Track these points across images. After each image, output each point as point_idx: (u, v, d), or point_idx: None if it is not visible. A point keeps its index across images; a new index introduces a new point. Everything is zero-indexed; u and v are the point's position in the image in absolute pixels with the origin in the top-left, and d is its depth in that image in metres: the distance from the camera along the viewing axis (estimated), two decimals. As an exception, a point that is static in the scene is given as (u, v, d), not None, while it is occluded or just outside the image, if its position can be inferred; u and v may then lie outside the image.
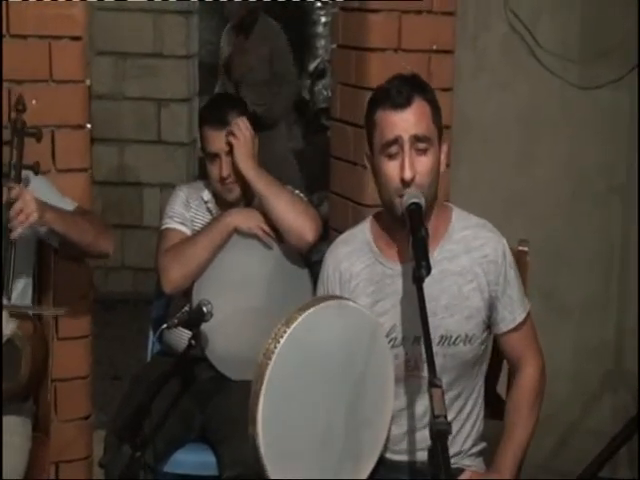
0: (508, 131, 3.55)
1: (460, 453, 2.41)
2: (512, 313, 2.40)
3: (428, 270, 2.09)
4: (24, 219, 2.48)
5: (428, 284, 2.12)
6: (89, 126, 3.03)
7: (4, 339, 2.46)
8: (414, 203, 2.22)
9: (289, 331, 2.08)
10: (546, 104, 3.56)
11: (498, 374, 2.66)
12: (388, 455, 2.38)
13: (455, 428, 2.30)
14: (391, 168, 2.28)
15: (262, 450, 2.07)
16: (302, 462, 2.15)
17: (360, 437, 2.24)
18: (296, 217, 2.94)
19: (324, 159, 3.59)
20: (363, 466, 2.27)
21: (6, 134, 2.70)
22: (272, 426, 2.07)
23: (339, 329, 2.20)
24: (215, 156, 3.00)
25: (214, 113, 3.03)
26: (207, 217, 3.06)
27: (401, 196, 2.26)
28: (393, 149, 2.28)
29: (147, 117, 5.99)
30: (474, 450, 2.44)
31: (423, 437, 2.27)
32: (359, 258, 2.42)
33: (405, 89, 2.28)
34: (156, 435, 2.66)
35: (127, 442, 2.46)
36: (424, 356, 2.07)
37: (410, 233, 2.17)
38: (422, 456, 2.29)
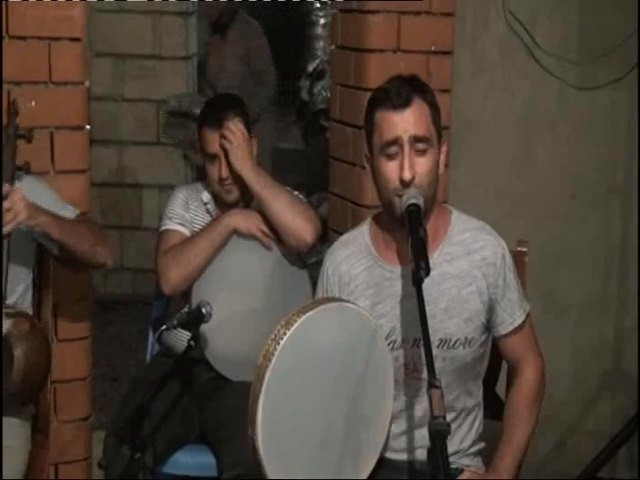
0: (507, 132, 3.55)
1: (458, 452, 2.41)
2: (511, 315, 2.40)
3: (427, 271, 2.09)
4: (12, 218, 2.48)
5: (427, 287, 2.13)
6: (88, 127, 3.03)
7: None
8: (413, 204, 2.22)
9: (289, 333, 2.08)
10: (545, 105, 3.56)
11: (497, 375, 2.66)
12: (388, 455, 2.38)
13: (453, 427, 2.31)
14: (390, 169, 2.28)
15: (261, 451, 2.07)
16: (301, 463, 2.15)
17: (359, 438, 2.25)
18: (294, 218, 2.94)
19: (323, 160, 3.59)
20: (362, 467, 2.27)
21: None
22: (271, 427, 2.07)
23: (338, 331, 2.20)
24: (214, 157, 3.00)
25: (212, 114, 3.03)
26: (206, 218, 3.06)
27: (400, 196, 2.26)
28: (392, 149, 2.28)
29: (146, 118, 5.99)
30: (473, 450, 2.45)
31: (423, 438, 2.28)
32: (358, 260, 2.42)
33: (404, 90, 2.29)
34: (155, 436, 2.67)
35: (126, 443, 2.46)
36: (423, 359, 2.07)
37: (409, 234, 2.17)
38: (421, 456, 2.30)
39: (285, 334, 2.07)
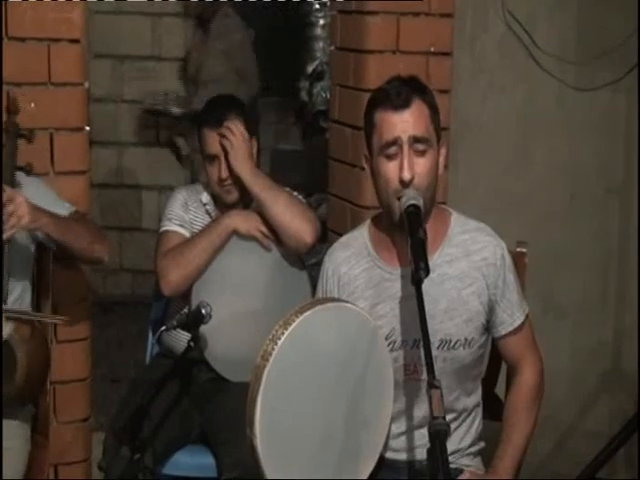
0: (506, 132, 3.55)
1: (458, 451, 2.41)
2: (511, 316, 2.40)
3: (427, 272, 2.09)
4: (15, 222, 2.48)
5: (427, 288, 2.13)
6: (87, 128, 3.04)
7: None
8: (412, 205, 2.22)
9: (287, 333, 2.08)
10: (544, 106, 3.57)
11: (497, 376, 2.66)
12: (388, 455, 2.39)
13: (453, 427, 2.31)
14: (390, 169, 2.28)
15: (260, 452, 2.07)
16: (301, 463, 2.15)
17: (359, 438, 2.25)
18: (294, 219, 2.94)
19: (322, 161, 3.59)
20: (362, 467, 2.27)
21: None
22: (270, 428, 2.08)
23: (337, 331, 2.20)
24: (214, 158, 3.00)
25: (212, 115, 3.03)
26: (206, 219, 3.06)
27: (400, 197, 2.26)
28: (392, 150, 2.28)
29: (146, 120, 5.99)
30: (472, 450, 2.45)
31: (422, 438, 2.27)
32: (358, 262, 2.42)
33: (404, 90, 2.29)
34: (155, 437, 2.67)
35: (126, 444, 2.46)
36: (423, 360, 2.07)
37: (408, 235, 2.18)
38: (421, 456, 2.30)
39: (283, 334, 2.08)
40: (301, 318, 2.11)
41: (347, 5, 3.29)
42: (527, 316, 2.44)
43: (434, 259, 2.32)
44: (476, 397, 2.46)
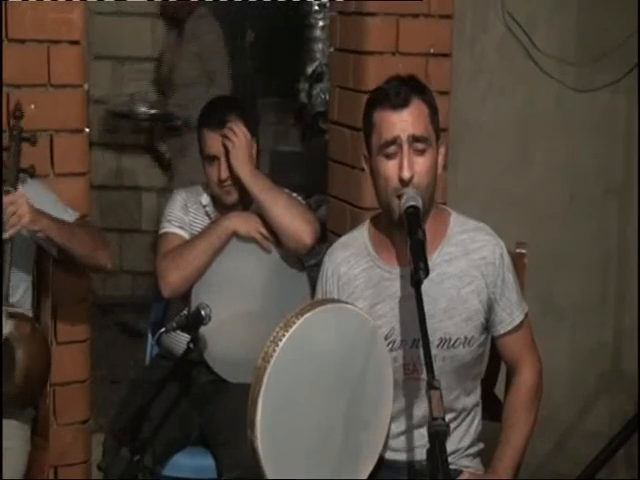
0: (505, 133, 3.55)
1: (457, 451, 2.41)
2: (510, 315, 2.40)
3: (426, 272, 2.10)
4: (16, 221, 2.49)
5: (427, 287, 2.13)
6: (87, 130, 3.04)
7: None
8: (412, 206, 2.23)
9: (288, 334, 2.09)
10: (543, 106, 3.57)
11: (496, 376, 2.66)
12: (387, 455, 2.39)
13: (452, 427, 2.32)
14: (389, 168, 2.28)
15: (261, 453, 2.07)
16: (301, 464, 2.16)
17: (359, 439, 2.25)
18: (293, 220, 2.95)
19: (322, 162, 3.59)
20: (362, 467, 2.28)
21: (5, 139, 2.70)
22: (271, 429, 2.08)
23: (337, 332, 2.20)
24: (214, 158, 3.00)
25: (212, 115, 3.04)
26: (205, 221, 3.07)
27: (399, 196, 2.26)
28: (391, 149, 2.28)
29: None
30: (472, 450, 2.45)
31: (422, 437, 2.27)
32: (357, 262, 2.42)
33: (403, 90, 2.29)
34: (155, 438, 2.67)
35: (126, 445, 2.46)
36: (422, 359, 2.07)
37: (408, 235, 2.18)
38: (421, 456, 2.30)
39: (284, 336, 2.08)
40: (302, 320, 2.11)
41: (346, 6, 3.29)
42: (526, 315, 2.45)
43: (433, 258, 2.32)
44: (475, 397, 2.47)
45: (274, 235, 2.98)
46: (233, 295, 2.98)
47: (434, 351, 2.19)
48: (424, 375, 2.03)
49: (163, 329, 2.67)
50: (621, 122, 3.63)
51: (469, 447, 2.44)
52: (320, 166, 3.70)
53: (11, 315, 2.55)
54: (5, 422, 2.53)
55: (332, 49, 3.48)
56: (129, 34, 5.86)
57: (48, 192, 2.80)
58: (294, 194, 3.09)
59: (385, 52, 3.20)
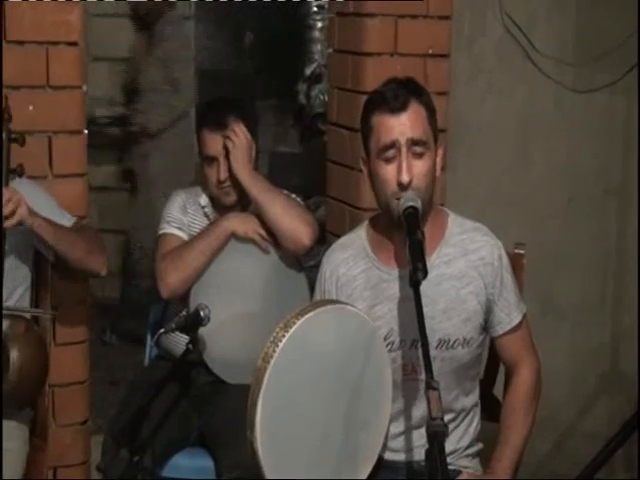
0: (504, 134, 3.55)
1: (456, 451, 2.42)
2: (509, 315, 2.41)
3: (425, 273, 2.10)
4: (14, 207, 2.49)
5: (426, 288, 2.13)
6: (86, 132, 3.04)
7: None
8: (411, 206, 2.23)
9: (288, 335, 2.09)
10: (542, 107, 3.57)
11: (495, 376, 2.67)
12: (386, 455, 2.39)
13: (451, 427, 2.32)
14: (388, 172, 2.28)
15: (260, 453, 2.08)
16: (300, 465, 2.16)
17: (358, 439, 2.25)
18: (292, 221, 2.95)
19: (321, 163, 3.60)
20: (361, 468, 2.28)
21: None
22: (270, 429, 2.08)
23: (337, 333, 2.21)
24: (213, 159, 3.00)
25: (212, 116, 3.04)
26: (204, 222, 3.07)
27: (398, 199, 2.26)
28: (390, 153, 2.28)
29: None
30: (471, 451, 2.46)
31: (421, 438, 2.28)
32: (356, 263, 2.42)
33: (401, 93, 2.29)
34: (154, 439, 2.67)
35: (125, 446, 2.46)
36: (421, 360, 2.07)
37: (407, 236, 2.18)
38: (420, 456, 2.30)
39: (284, 336, 2.08)
40: (302, 320, 2.11)
41: (345, 7, 3.29)
42: (524, 316, 2.45)
43: (432, 260, 2.32)
44: (474, 397, 2.47)
45: (273, 236, 2.98)
46: (232, 296, 2.98)
47: (433, 352, 2.20)
48: (423, 376, 2.03)
49: (162, 330, 2.67)
50: (620, 122, 3.63)
51: (468, 447, 2.45)
52: (319, 167, 3.70)
53: (6, 315, 2.56)
54: (4, 423, 2.53)
55: (331, 50, 3.48)
56: (127, 36, 5.84)
57: (43, 194, 2.79)
58: (293, 195, 3.09)
59: (384, 53, 3.20)
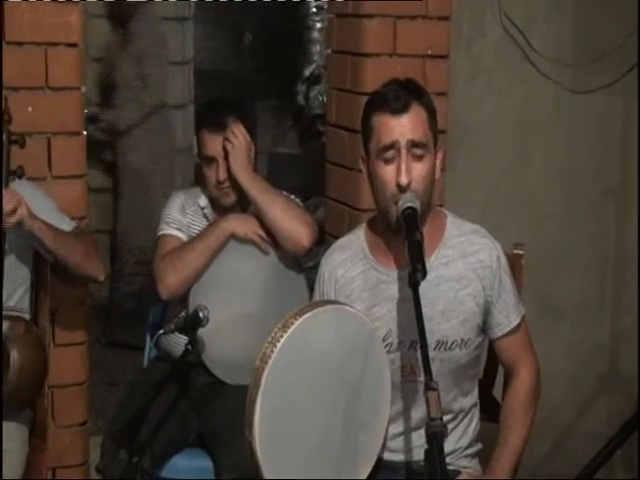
0: (503, 135, 3.55)
1: (455, 452, 2.42)
2: (507, 317, 2.41)
3: (424, 274, 2.10)
4: (15, 206, 2.50)
5: (424, 290, 2.13)
6: (85, 133, 3.04)
7: None
8: (410, 207, 2.23)
9: (286, 335, 2.09)
10: (540, 108, 3.57)
11: (494, 377, 2.67)
12: (386, 455, 2.39)
13: (450, 428, 2.33)
14: (387, 172, 2.28)
15: (259, 454, 2.08)
16: (299, 466, 2.16)
17: (357, 440, 2.25)
18: (292, 223, 2.95)
19: (320, 164, 3.60)
20: (360, 468, 2.28)
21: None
22: (269, 430, 2.08)
23: (336, 334, 2.21)
24: (212, 160, 3.00)
25: (212, 117, 3.04)
26: (204, 223, 3.07)
27: (396, 202, 2.26)
28: (389, 154, 2.28)
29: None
30: (470, 451, 2.46)
31: (420, 439, 2.28)
32: (354, 264, 2.43)
33: (402, 94, 2.29)
34: (153, 440, 2.67)
35: (124, 447, 2.46)
36: (420, 361, 2.07)
37: (405, 237, 2.18)
38: (419, 456, 2.30)
39: (282, 336, 2.08)
40: (300, 321, 2.11)
41: (344, 8, 3.29)
42: (523, 317, 2.45)
43: (430, 261, 2.32)
44: (473, 398, 2.47)
45: (272, 237, 2.98)
46: (231, 297, 2.98)
47: (431, 353, 2.19)
48: (422, 377, 2.03)
49: (161, 331, 2.67)
50: (618, 123, 3.64)
51: (467, 447, 2.45)
52: (318, 168, 3.70)
53: (6, 316, 2.56)
54: (4, 424, 2.53)
55: (330, 51, 3.48)
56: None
57: (43, 197, 2.79)
58: (292, 196, 3.09)
59: (382, 54, 3.20)
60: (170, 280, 2.93)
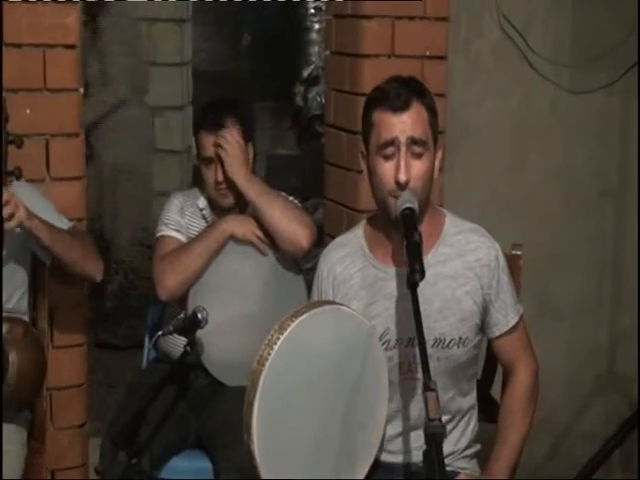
0: (501, 136, 3.56)
1: (454, 453, 2.42)
2: (505, 317, 2.41)
3: (422, 275, 2.10)
4: (13, 209, 2.49)
5: (422, 287, 2.13)
6: (83, 135, 3.04)
7: None
8: (408, 208, 2.23)
9: (283, 337, 2.09)
10: (539, 109, 3.57)
11: (492, 378, 2.67)
12: (383, 456, 2.39)
13: (448, 428, 2.32)
14: (386, 169, 2.29)
15: (257, 456, 2.08)
16: (297, 467, 2.16)
17: (355, 440, 2.25)
18: (290, 224, 2.95)
19: (318, 165, 3.60)
20: (359, 469, 2.28)
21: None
22: (267, 432, 2.08)
23: (333, 334, 2.21)
24: (210, 161, 3.00)
25: (210, 118, 3.03)
26: (202, 224, 3.07)
27: (395, 197, 2.27)
28: (389, 150, 2.28)
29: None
30: (468, 452, 2.46)
31: (418, 439, 2.29)
32: (353, 262, 2.43)
33: (403, 92, 2.29)
34: (152, 442, 2.66)
35: (123, 449, 2.46)
36: (418, 358, 2.07)
37: (404, 238, 2.18)
38: (417, 457, 2.30)
39: (279, 339, 2.08)
40: (296, 322, 2.11)
41: (342, 9, 3.29)
42: (521, 317, 2.45)
43: (428, 259, 2.32)
44: (471, 398, 2.47)
45: (271, 238, 2.98)
46: (230, 298, 2.98)
47: (429, 351, 2.18)
48: (419, 375, 2.03)
49: (160, 332, 2.67)
50: (616, 124, 3.64)
51: (466, 449, 2.45)
52: (316, 169, 3.70)
53: (4, 318, 2.56)
54: (3, 426, 2.53)
55: (328, 52, 3.48)
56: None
57: (40, 197, 2.79)
58: (290, 197, 3.09)
59: (381, 55, 3.20)
60: (169, 281, 2.93)
